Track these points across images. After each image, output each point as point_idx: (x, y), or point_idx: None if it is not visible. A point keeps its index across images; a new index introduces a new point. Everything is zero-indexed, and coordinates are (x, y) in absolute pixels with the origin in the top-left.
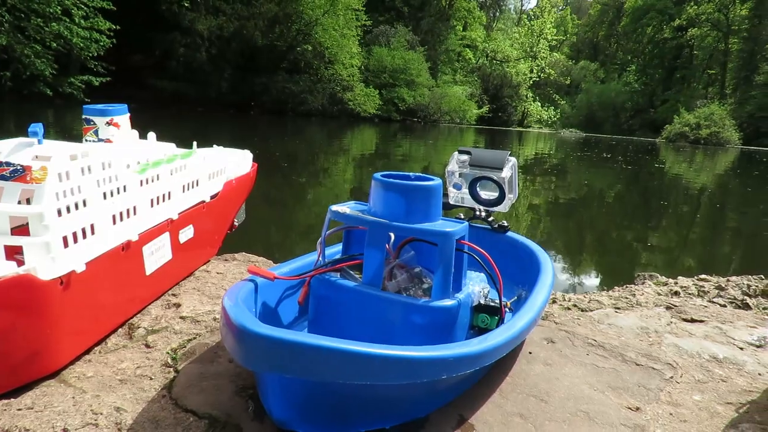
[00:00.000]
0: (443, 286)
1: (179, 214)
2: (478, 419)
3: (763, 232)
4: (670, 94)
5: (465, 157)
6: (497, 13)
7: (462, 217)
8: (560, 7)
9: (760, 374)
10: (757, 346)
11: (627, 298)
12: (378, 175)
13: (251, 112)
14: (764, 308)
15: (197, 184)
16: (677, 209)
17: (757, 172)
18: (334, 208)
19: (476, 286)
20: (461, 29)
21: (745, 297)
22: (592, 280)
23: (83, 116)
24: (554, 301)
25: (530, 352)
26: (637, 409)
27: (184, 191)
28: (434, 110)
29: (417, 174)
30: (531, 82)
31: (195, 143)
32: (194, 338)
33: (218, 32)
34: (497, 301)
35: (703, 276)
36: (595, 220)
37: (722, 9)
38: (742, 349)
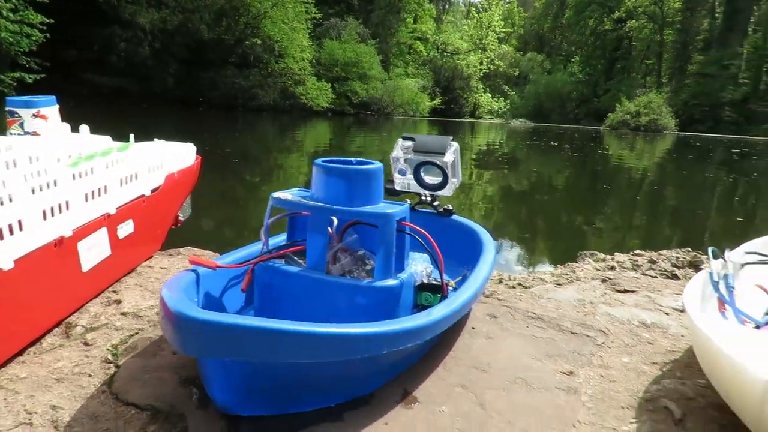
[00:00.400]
0: (385, 267)
1: (117, 208)
2: (422, 392)
3: (696, 210)
4: (612, 84)
5: (409, 143)
6: (446, 6)
7: (409, 202)
8: (507, 0)
9: (682, 336)
10: (681, 311)
11: (568, 274)
12: (319, 160)
13: (200, 108)
14: (690, 278)
15: (136, 178)
16: (621, 193)
17: (691, 156)
18: (276, 194)
19: (419, 266)
20: (412, 22)
21: (674, 268)
22: (540, 261)
23: (6, 108)
24: (501, 281)
25: (473, 328)
26: (571, 373)
27: (121, 185)
28: (387, 103)
29: (359, 159)
30: (481, 74)
31: (132, 136)
32: (136, 333)
33: (161, 26)
34: (439, 280)
35: (638, 251)
36: (545, 206)
37: (657, 2)
38: (667, 314)
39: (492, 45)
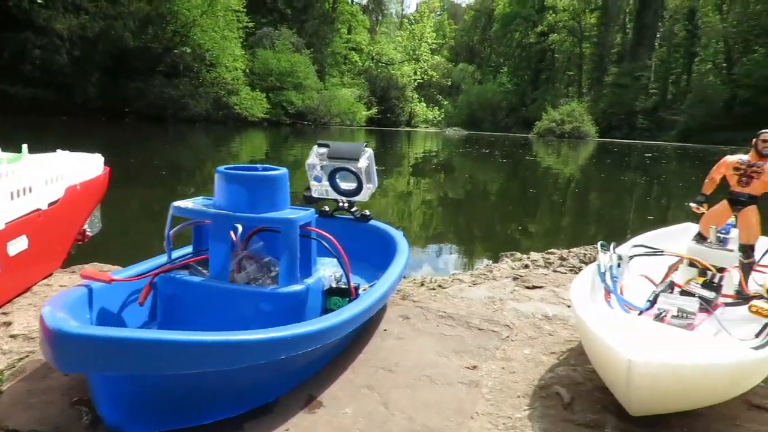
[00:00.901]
0: (290, 273)
1: (6, 224)
2: (328, 396)
3: (614, 210)
4: (538, 94)
5: (323, 150)
6: (380, 17)
7: (328, 209)
8: (438, 13)
9: None
10: None
11: (485, 274)
12: (221, 168)
13: (126, 119)
14: None
15: (30, 191)
16: (549, 196)
17: (609, 160)
18: (176, 203)
19: (327, 271)
20: (346, 32)
21: (582, 264)
22: (465, 263)
23: None
24: (422, 284)
25: (385, 329)
26: (474, 367)
27: (12, 198)
28: (324, 113)
29: (265, 165)
30: (415, 84)
31: (25, 146)
32: (26, 356)
33: (81, 32)
34: (352, 285)
35: (551, 250)
36: (478, 210)
37: (575, 17)
38: (569, 306)
39: (425, 56)
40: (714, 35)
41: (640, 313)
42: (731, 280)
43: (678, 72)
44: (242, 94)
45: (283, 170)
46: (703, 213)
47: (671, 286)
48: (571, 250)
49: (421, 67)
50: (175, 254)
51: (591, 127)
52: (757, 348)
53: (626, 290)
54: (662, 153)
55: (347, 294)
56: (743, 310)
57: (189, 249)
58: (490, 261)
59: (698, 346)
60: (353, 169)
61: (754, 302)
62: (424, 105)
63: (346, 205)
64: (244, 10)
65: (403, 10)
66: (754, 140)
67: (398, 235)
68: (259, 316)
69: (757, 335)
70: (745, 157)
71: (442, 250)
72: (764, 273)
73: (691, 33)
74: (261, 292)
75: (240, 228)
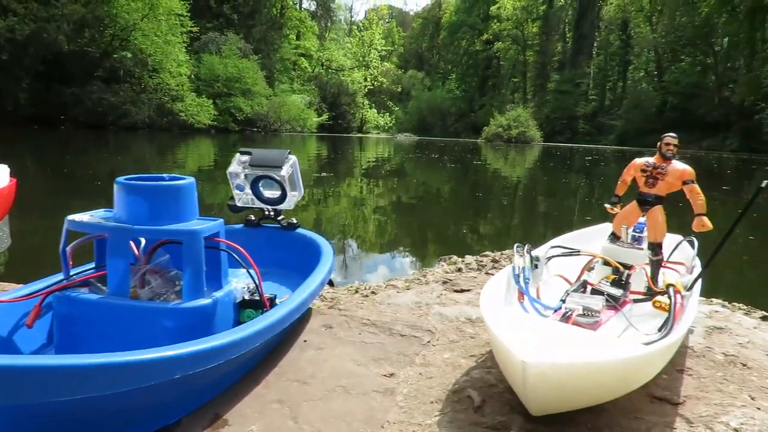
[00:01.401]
0: (194, 286)
1: None
2: (235, 413)
3: (553, 212)
4: (485, 100)
5: (246, 157)
6: (329, 24)
7: (253, 218)
8: (386, 20)
9: None
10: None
11: (419, 279)
12: (121, 178)
13: (62, 127)
14: None
15: None
16: (497, 199)
17: (553, 164)
18: (71, 217)
19: (240, 283)
20: (295, 38)
21: None
22: (406, 268)
23: None
24: (357, 291)
25: (305, 340)
26: (392, 374)
27: None
28: (274, 119)
29: (173, 175)
30: (366, 90)
31: None
32: None
33: (9, 35)
34: (265, 296)
35: (485, 253)
36: (427, 214)
37: (519, 26)
38: None
39: (375, 62)
40: (645, 45)
41: (555, 312)
42: (641, 278)
43: (614, 79)
44: (188, 100)
45: (190, 179)
46: (616, 213)
47: (584, 285)
48: (504, 252)
49: (371, 74)
50: (78, 270)
51: (536, 131)
52: (647, 344)
53: (544, 291)
54: (602, 156)
55: (260, 306)
56: (650, 305)
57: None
58: (429, 266)
59: (595, 344)
60: (276, 176)
61: (657, 298)
62: (375, 111)
63: (272, 213)
64: (188, 14)
65: (351, 17)
66: (658, 144)
67: (324, 243)
68: (161, 333)
69: (660, 329)
70: (651, 160)
71: (388, 256)
72: (674, 270)
73: (625, 42)
74: (162, 308)
75: (143, 241)
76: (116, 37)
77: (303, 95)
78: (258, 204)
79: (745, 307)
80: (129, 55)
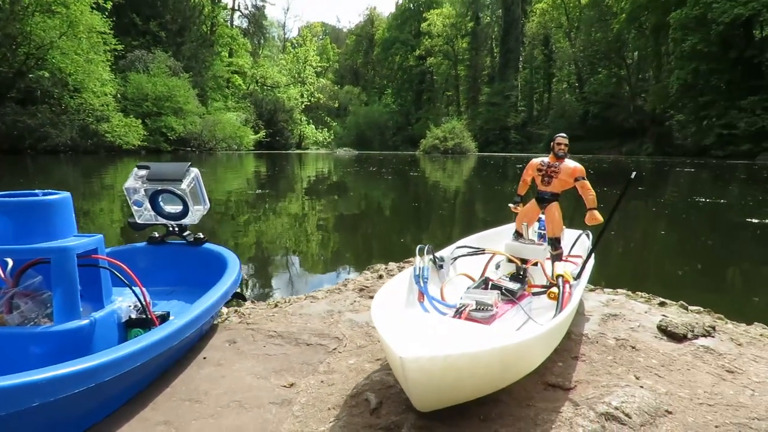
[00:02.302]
0: (66, 307)
1: None
2: None
3: (488, 218)
4: (421, 113)
5: (144, 171)
6: (262, 41)
7: (157, 235)
8: (320, 36)
9: None
10: None
11: (339, 288)
12: None
13: None
14: None
15: None
16: (436, 209)
17: (486, 173)
18: None
19: (125, 302)
20: (227, 56)
21: None
22: (335, 280)
23: None
24: (276, 305)
25: (205, 357)
26: (292, 385)
27: None
28: (209, 138)
29: (48, 191)
30: (303, 106)
31: None
32: None
33: None
34: (154, 314)
35: (408, 259)
36: (368, 227)
37: (449, 42)
38: None
39: (310, 78)
40: (566, 58)
41: (456, 309)
42: (542, 272)
43: (540, 91)
44: (114, 120)
45: (65, 194)
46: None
47: (486, 282)
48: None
49: (307, 90)
50: None
51: (471, 142)
52: (519, 329)
53: (450, 290)
54: None
55: (149, 324)
56: (547, 297)
57: None
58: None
59: (485, 337)
60: (176, 190)
61: (552, 289)
62: (314, 127)
63: (176, 229)
64: (111, 32)
65: (285, 33)
66: (551, 143)
67: (230, 257)
68: (33, 359)
69: (554, 318)
70: (546, 159)
71: (324, 269)
72: (573, 263)
73: (547, 56)
74: (29, 333)
75: (10, 262)
76: (31, 56)
77: (238, 113)
78: (161, 220)
79: (646, 296)
80: (47, 74)
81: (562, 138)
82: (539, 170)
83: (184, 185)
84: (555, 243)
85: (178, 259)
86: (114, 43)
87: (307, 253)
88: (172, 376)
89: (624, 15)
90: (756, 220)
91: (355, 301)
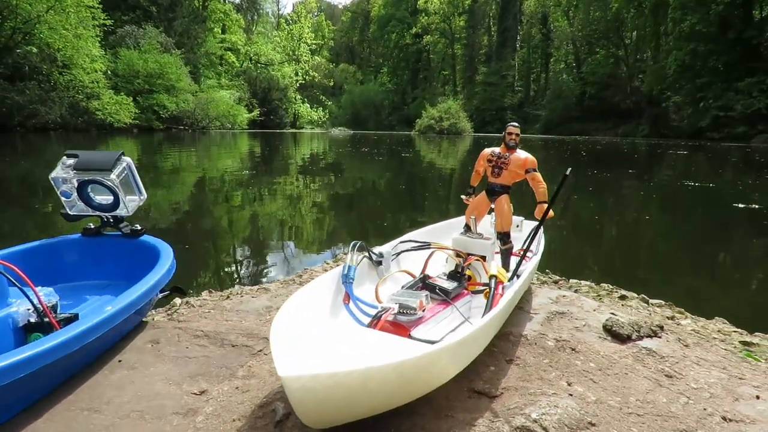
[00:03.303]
0: None
1: None
2: None
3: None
4: (417, 93)
5: (71, 161)
6: (255, 17)
7: (92, 226)
8: (315, 13)
9: None
10: None
11: (294, 280)
12: None
13: None
14: None
15: None
16: (432, 191)
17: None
18: None
19: (21, 306)
20: (220, 32)
21: None
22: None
23: None
24: (228, 296)
25: (120, 360)
26: (203, 392)
27: None
28: (202, 116)
29: None
30: (297, 85)
31: None
32: None
33: None
34: (54, 317)
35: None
36: (362, 210)
37: (446, 20)
38: None
39: (305, 56)
40: (564, 38)
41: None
42: (484, 268)
43: (538, 71)
44: (105, 98)
45: None
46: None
47: (424, 279)
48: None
49: (302, 68)
50: None
51: (467, 123)
52: (433, 342)
53: (390, 287)
54: (528, 144)
55: (49, 328)
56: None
57: None
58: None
59: (387, 349)
60: (105, 181)
61: (488, 288)
62: (308, 106)
63: (112, 220)
64: (100, 6)
65: (279, 10)
66: (503, 133)
67: (164, 250)
68: None
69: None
70: (497, 150)
71: (309, 255)
72: (527, 257)
73: (545, 36)
74: None
75: None
76: (18, 31)
77: (232, 91)
78: (94, 211)
79: (608, 287)
80: (34, 50)
81: (513, 127)
82: (489, 161)
83: (113, 175)
84: (504, 237)
85: (114, 251)
86: (103, 18)
87: (297, 235)
88: (81, 381)
89: None
90: (742, 205)
91: None
